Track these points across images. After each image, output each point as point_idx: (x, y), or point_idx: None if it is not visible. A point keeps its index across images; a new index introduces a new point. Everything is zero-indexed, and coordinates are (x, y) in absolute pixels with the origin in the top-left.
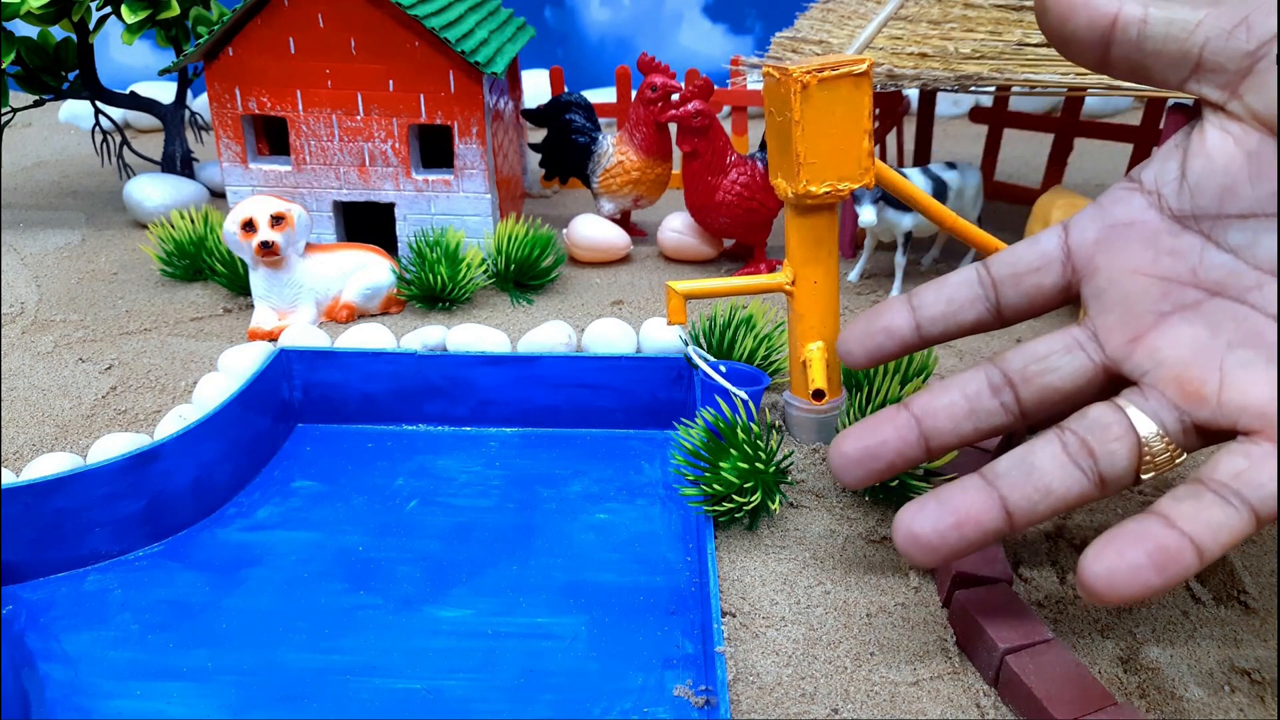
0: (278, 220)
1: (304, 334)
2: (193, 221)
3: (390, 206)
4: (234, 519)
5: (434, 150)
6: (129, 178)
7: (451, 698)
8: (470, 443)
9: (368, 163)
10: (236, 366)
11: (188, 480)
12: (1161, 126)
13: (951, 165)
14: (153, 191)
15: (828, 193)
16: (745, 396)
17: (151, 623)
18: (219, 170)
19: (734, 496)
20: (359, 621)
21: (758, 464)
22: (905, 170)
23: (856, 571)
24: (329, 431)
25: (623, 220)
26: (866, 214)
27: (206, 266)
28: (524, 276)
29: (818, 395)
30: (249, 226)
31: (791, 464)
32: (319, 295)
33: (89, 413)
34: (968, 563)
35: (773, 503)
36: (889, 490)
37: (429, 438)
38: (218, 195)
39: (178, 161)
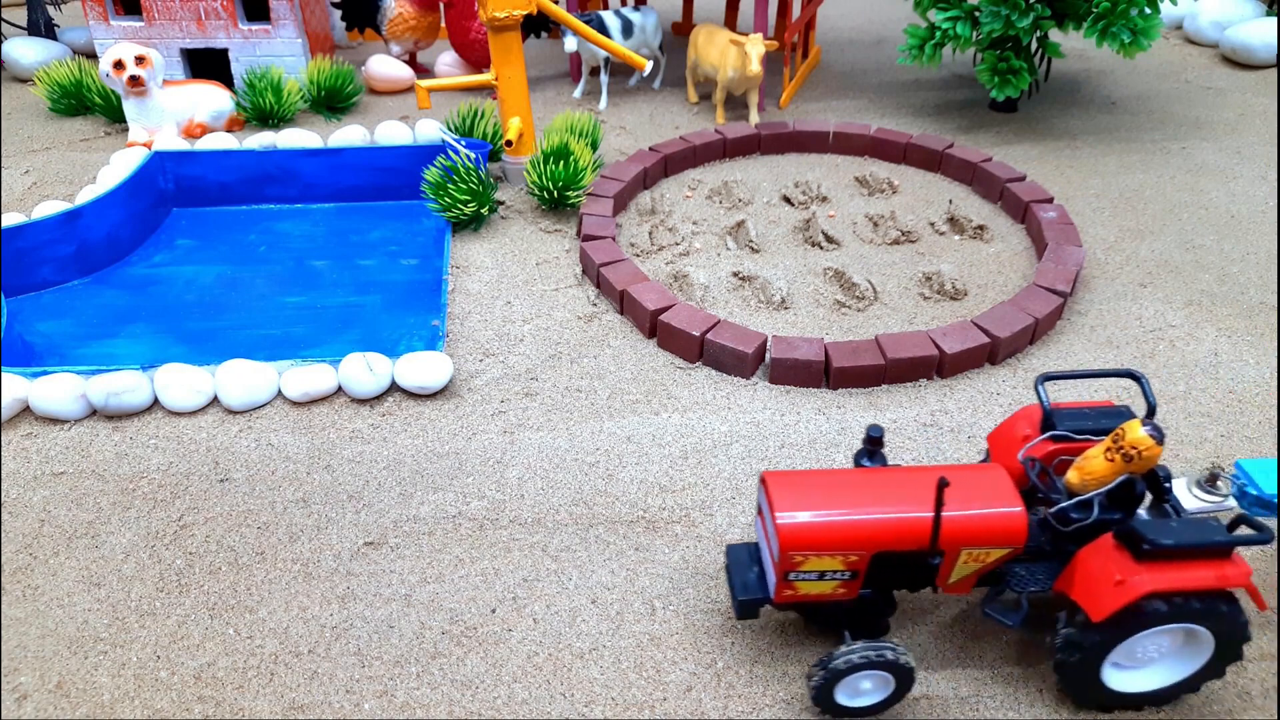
0: (140, 60)
1: (171, 144)
2: (73, 69)
3: (225, 51)
4: (137, 262)
5: (255, 5)
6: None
7: (298, 337)
8: (301, 214)
9: (204, 17)
10: (126, 162)
11: (103, 235)
12: None
13: (637, 7)
14: (26, 51)
15: (506, 16)
16: (469, 152)
17: (94, 318)
18: (78, 34)
19: (462, 208)
20: (234, 304)
21: (474, 187)
22: (603, 13)
23: (534, 246)
24: (198, 212)
25: (410, 60)
26: (569, 42)
27: (89, 100)
28: (333, 100)
29: (509, 145)
30: (119, 65)
31: (501, 194)
32: (178, 118)
33: (22, 197)
34: (590, 226)
35: (486, 211)
36: (560, 203)
37: (271, 212)
38: (79, 54)
39: (42, 27)
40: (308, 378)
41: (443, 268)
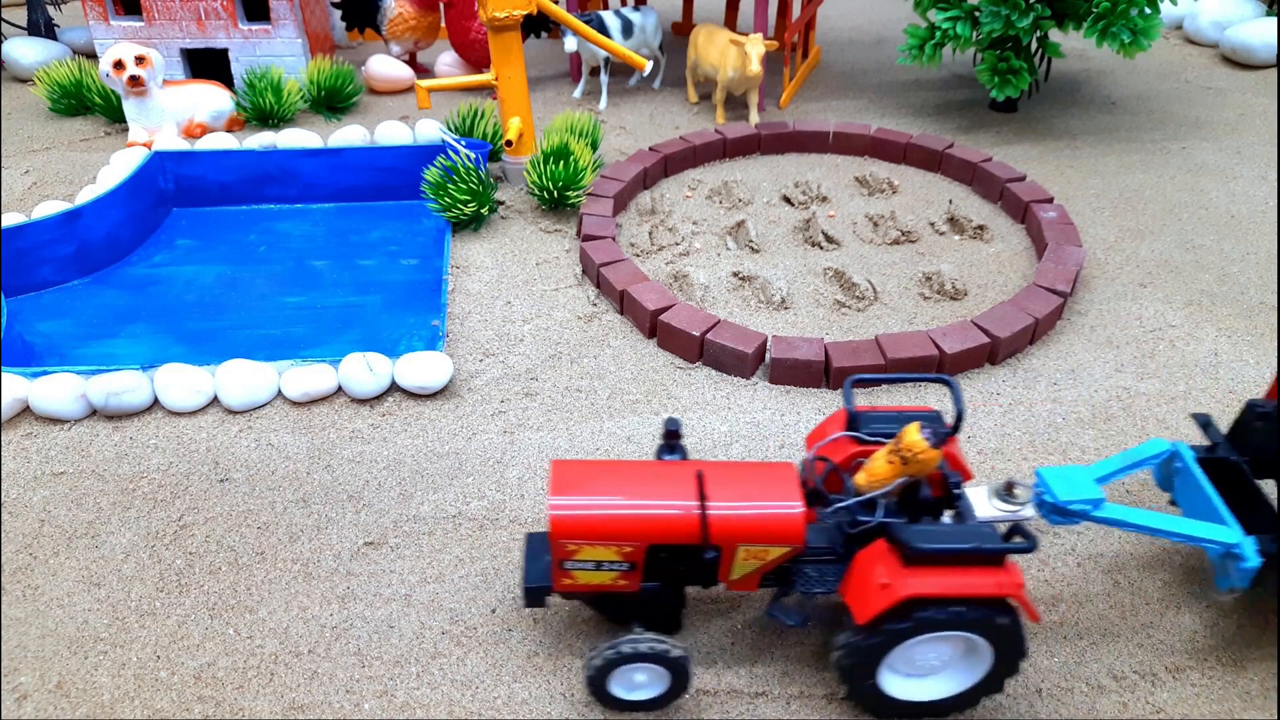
0: (140, 60)
1: (171, 144)
2: (73, 69)
3: (224, 51)
4: (137, 262)
5: (255, 5)
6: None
7: (298, 338)
8: (301, 214)
9: (204, 17)
10: (126, 162)
11: (103, 235)
12: None
13: (637, 7)
14: (26, 51)
15: (506, 16)
16: (469, 152)
17: (94, 318)
18: (77, 33)
19: (462, 208)
20: (234, 304)
21: (474, 187)
22: (603, 13)
23: (534, 246)
24: (197, 212)
25: (410, 60)
26: (569, 42)
27: (89, 100)
28: (333, 101)
29: (509, 145)
30: (119, 65)
31: (501, 194)
32: (178, 118)
33: (21, 197)
34: (590, 226)
35: (486, 211)
36: (560, 203)
37: (271, 212)
38: (79, 54)
39: (42, 27)
40: (308, 378)
41: (443, 268)
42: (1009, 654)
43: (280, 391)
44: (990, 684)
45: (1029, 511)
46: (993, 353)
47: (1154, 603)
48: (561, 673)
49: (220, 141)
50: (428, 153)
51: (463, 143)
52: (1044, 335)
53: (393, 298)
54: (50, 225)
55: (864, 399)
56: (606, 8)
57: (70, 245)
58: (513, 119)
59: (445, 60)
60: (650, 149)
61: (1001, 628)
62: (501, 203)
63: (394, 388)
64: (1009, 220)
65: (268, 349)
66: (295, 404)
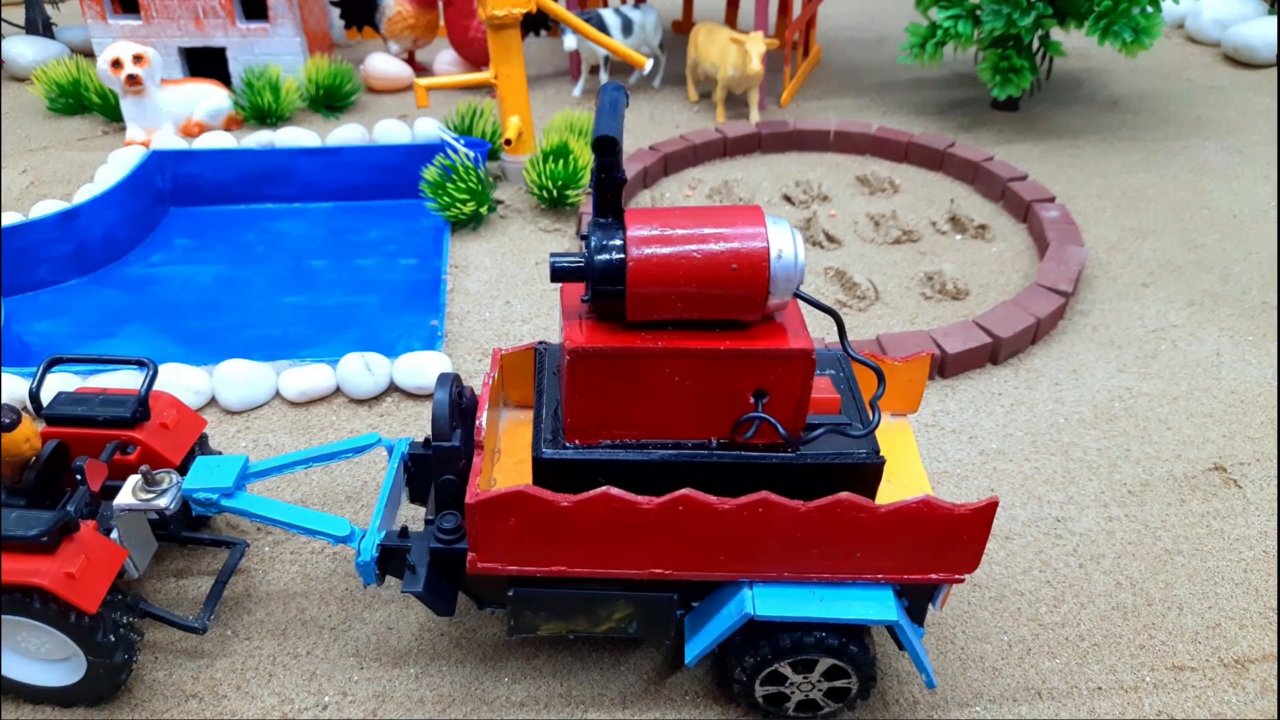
0: (138, 59)
1: (169, 143)
2: (71, 68)
3: (222, 50)
4: (135, 262)
5: (253, 4)
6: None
7: (296, 337)
8: (299, 213)
9: (202, 16)
10: (124, 161)
11: (100, 234)
12: None
13: (637, 5)
14: (24, 50)
15: (505, 14)
16: (468, 151)
17: (92, 318)
18: (75, 32)
19: (461, 207)
20: (232, 303)
21: (473, 186)
22: (603, 11)
23: (533, 245)
24: (195, 211)
25: (409, 59)
26: (569, 41)
27: (86, 99)
28: (332, 99)
29: (508, 143)
30: (117, 64)
31: (500, 193)
32: (176, 117)
33: (19, 197)
34: None
35: (485, 210)
36: (559, 202)
37: (269, 212)
38: (77, 53)
39: (40, 26)
40: (306, 378)
41: (441, 267)
42: (97, 659)
43: (278, 391)
44: (87, 688)
45: (164, 501)
46: (994, 353)
47: (1156, 604)
48: (560, 674)
49: (218, 140)
50: (426, 151)
51: (461, 141)
52: (1046, 335)
53: (391, 297)
54: (48, 225)
55: None
56: (606, 5)
57: (68, 245)
58: (512, 117)
59: (444, 58)
60: (650, 148)
61: (83, 633)
62: (500, 202)
63: (392, 388)
64: (1011, 219)
65: (266, 349)
66: (293, 404)
